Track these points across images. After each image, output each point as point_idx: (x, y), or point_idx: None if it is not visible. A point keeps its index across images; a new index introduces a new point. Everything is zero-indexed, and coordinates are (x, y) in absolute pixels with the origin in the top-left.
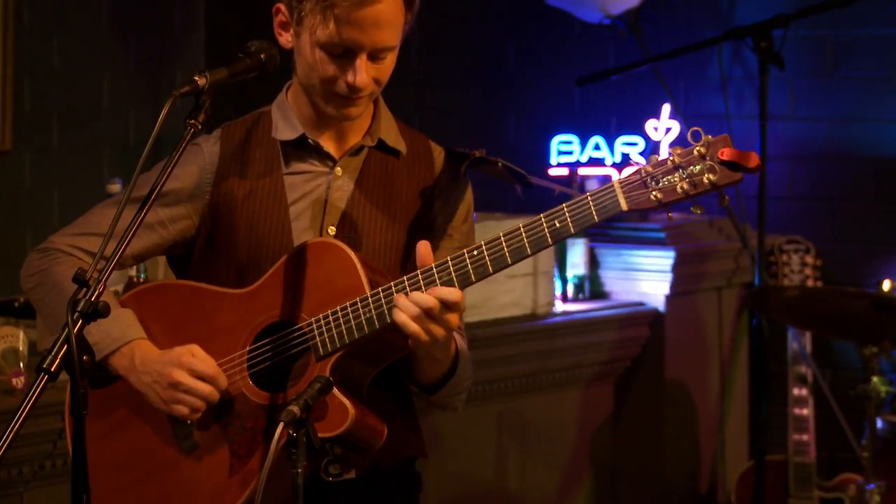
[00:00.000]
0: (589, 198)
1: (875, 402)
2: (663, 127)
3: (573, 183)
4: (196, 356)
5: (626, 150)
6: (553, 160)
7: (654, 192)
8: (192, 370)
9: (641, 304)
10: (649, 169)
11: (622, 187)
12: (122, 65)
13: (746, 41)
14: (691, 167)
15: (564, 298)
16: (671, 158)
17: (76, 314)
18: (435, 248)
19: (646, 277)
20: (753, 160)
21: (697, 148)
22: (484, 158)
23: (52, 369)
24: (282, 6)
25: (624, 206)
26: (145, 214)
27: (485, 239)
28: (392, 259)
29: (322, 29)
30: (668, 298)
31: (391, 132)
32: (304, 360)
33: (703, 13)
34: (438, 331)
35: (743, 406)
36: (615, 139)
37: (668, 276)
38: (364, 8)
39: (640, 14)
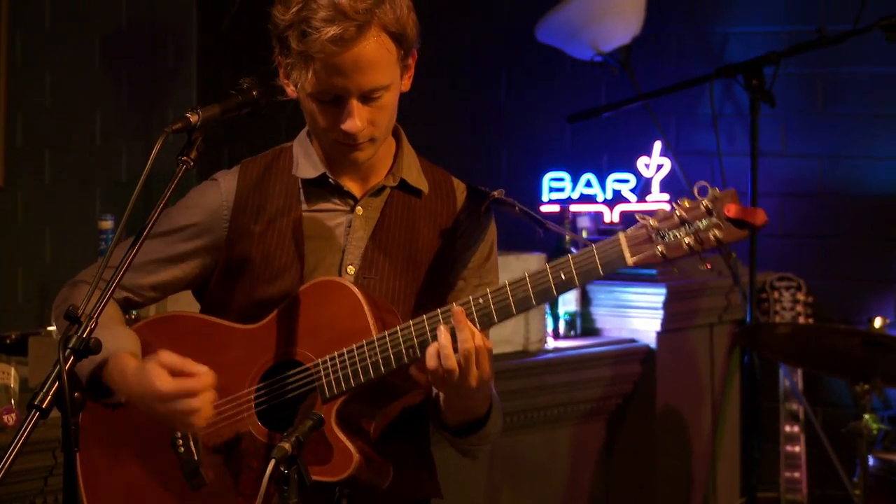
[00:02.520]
0: (595, 251)
1: (867, 439)
2: (654, 164)
3: (565, 220)
4: (165, 362)
5: (618, 186)
6: (545, 197)
7: (659, 247)
8: (166, 365)
9: (633, 340)
10: (654, 223)
11: (628, 241)
12: (114, 101)
13: (737, 78)
14: (697, 222)
15: (556, 335)
16: (677, 212)
17: (67, 351)
18: (455, 288)
19: (637, 314)
20: (760, 217)
21: (704, 203)
22: (502, 200)
23: (44, 406)
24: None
25: (629, 261)
26: (138, 249)
27: (490, 287)
28: (409, 301)
29: (306, 80)
30: (660, 335)
31: (413, 171)
32: (311, 401)
33: (694, 51)
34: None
35: (734, 443)
36: (607, 176)
37: (660, 313)
38: (341, 54)
39: (631, 51)
